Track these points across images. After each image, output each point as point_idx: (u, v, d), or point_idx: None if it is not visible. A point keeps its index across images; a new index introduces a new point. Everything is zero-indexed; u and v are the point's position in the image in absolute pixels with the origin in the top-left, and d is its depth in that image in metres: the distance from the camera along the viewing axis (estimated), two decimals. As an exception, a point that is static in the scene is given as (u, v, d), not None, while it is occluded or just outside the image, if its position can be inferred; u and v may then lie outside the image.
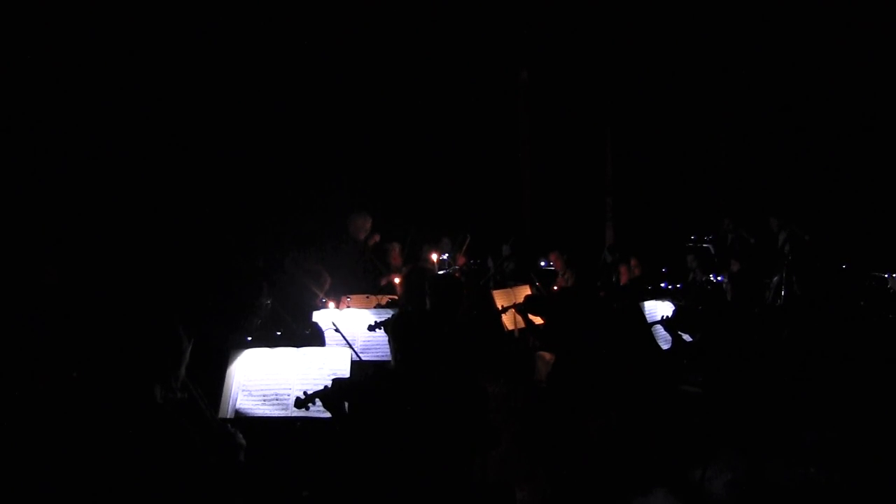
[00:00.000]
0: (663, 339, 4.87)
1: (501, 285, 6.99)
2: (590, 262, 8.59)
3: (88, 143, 6.83)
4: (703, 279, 7.67)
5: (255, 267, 5.31)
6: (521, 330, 5.75)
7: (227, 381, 3.10)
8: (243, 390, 3.09)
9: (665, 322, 4.83)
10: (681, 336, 4.86)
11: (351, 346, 3.60)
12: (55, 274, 3.94)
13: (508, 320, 5.64)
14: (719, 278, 7.40)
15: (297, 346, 3.28)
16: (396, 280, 6.05)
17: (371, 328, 3.80)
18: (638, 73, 11.05)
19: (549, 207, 11.77)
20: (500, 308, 5.58)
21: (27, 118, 6.48)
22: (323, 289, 4.90)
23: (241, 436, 2.40)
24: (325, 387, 2.71)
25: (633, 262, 7.00)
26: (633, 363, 4.46)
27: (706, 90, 11.23)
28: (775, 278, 7.11)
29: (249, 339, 3.57)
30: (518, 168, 12.07)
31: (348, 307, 4.72)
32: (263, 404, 3.06)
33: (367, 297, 5.27)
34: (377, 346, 3.92)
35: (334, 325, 3.87)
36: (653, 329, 4.82)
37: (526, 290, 6.15)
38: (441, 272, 6.90)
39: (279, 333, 3.98)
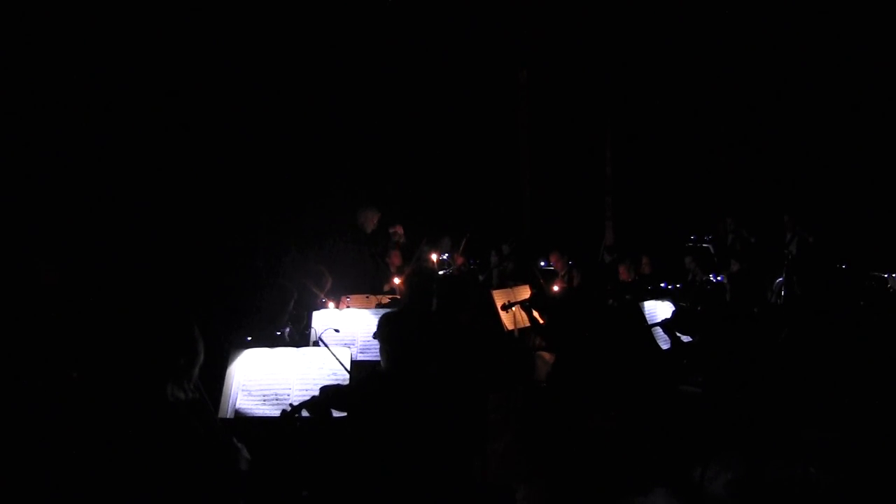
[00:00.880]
0: (663, 339, 4.87)
1: (501, 285, 6.98)
2: (593, 262, 8.60)
3: (93, 143, 6.83)
4: (703, 279, 7.67)
5: (276, 273, 5.32)
6: (521, 330, 5.75)
7: (227, 381, 3.10)
8: (243, 390, 3.10)
9: (665, 323, 4.83)
10: (680, 336, 4.86)
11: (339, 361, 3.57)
12: (55, 274, 3.93)
13: (508, 320, 5.64)
14: (719, 278, 7.40)
15: (297, 346, 3.29)
16: (396, 280, 6.05)
17: (376, 336, 3.75)
18: (638, 73, 11.04)
19: (549, 207, 11.76)
20: (500, 307, 5.57)
21: (28, 117, 6.47)
22: (323, 289, 4.91)
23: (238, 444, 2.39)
24: (312, 397, 2.71)
25: (644, 259, 7.02)
26: (632, 363, 4.46)
27: (706, 90, 11.23)
28: (778, 279, 7.11)
29: (249, 339, 3.57)
30: (518, 168, 12.07)
31: (348, 307, 4.72)
32: (263, 404, 3.06)
33: (367, 297, 5.28)
34: (377, 346, 3.91)
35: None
36: (653, 329, 4.83)
37: (526, 290, 6.15)
38: (441, 272, 6.90)
39: (279, 333, 3.99)
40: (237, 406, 3.05)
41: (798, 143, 10.58)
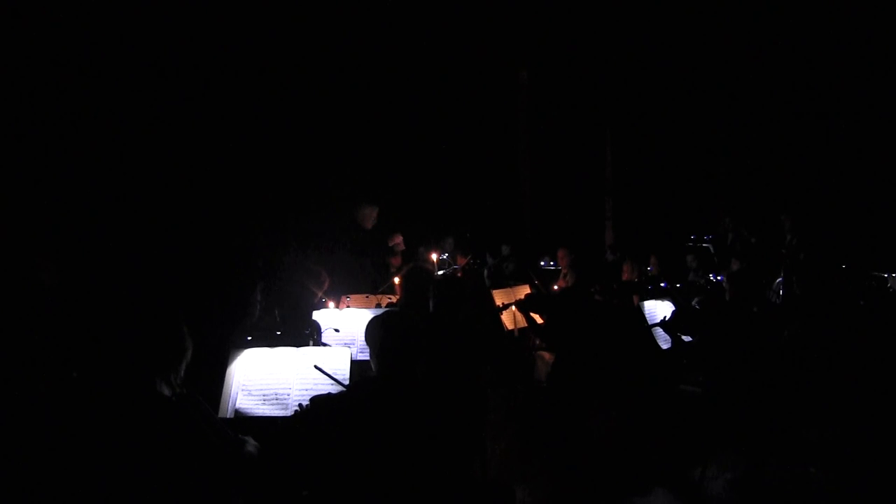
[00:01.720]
0: (663, 339, 4.87)
1: (501, 285, 6.98)
2: (591, 262, 8.59)
3: (89, 142, 6.82)
4: (703, 279, 7.67)
5: (251, 266, 5.31)
6: (521, 330, 5.75)
7: (227, 380, 3.10)
8: (243, 390, 3.10)
9: (665, 323, 4.83)
10: (680, 336, 4.86)
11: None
12: (55, 273, 3.94)
13: (508, 320, 5.64)
14: (719, 278, 7.40)
15: (297, 346, 3.28)
16: (396, 280, 6.05)
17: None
18: (638, 73, 11.05)
19: (549, 207, 11.77)
20: (499, 307, 5.57)
21: (27, 117, 6.48)
22: (322, 289, 4.91)
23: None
24: (300, 406, 2.69)
25: (652, 259, 7.02)
26: (632, 363, 4.46)
27: (706, 90, 11.23)
28: (778, 279, 7.11)
29: (249, 339, 3.57)
30: (518, 168, 12.08)
31: (348, 307, 4.72)
32: (263, 404, 3.06)
33: (367, 297, 5.28)
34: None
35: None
36: (653, 329, 4.83)
37: (526, 290, 6.16)
38: (441, 272, 6.90)
39: (279, 333, 3.98)
40: (237, 406, 3.05)
41: (798, 143, 10.58)
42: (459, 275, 7.16)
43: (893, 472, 3.84)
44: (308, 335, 3.90)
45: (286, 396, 3.05)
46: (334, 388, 2.76)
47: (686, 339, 4.87)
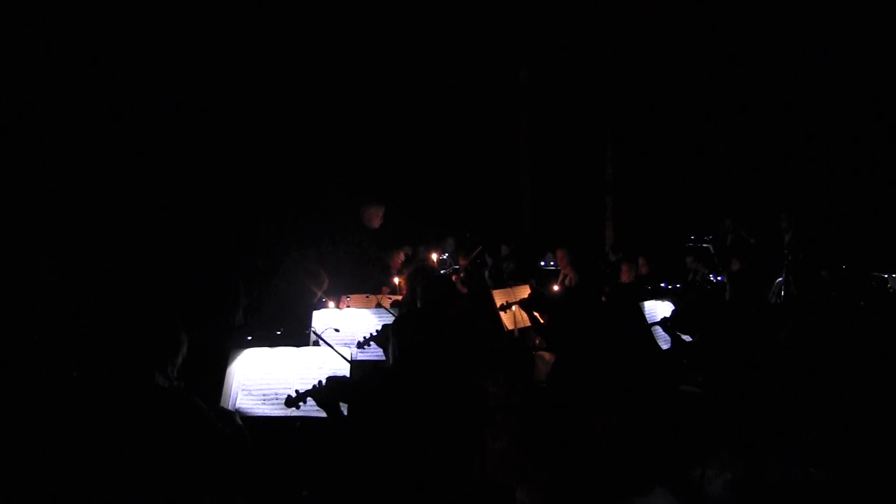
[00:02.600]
0: (663, 339, 4.87)
1: (501, 285, 6.98)
2: (591, 262, 8.59)
3: (87, 142, 6.83)
4: (704, 279, 7.67)
5: (239, 265, 5.32)
6: (521, 329, 5.75)
7: (227, 380, 3.10)
8: (243, 390, 3.10)
9: (665, 323, 4.83)
10: (680, 336, 4.85)
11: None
12: (54, 273, 3.94)
13: (508, 319, 5.64)
14: (719, 278, 7.40)
15: (297, 345, 3.28)
16: (396, 280, 6.05)
17: (360, 345, 3.67)
18: (638, 73, 11.04)
19: (549, 207, 11.77)
20: (499, 307, 5.57)
21: (27, 116, 6.48)
22: (321, 288, 4.91)
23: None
24: (318, 383, 2.72)
25: (641, 260, 6.99)
26: (633, 363, 4.46)
27: (707, 90, 11.23)
28: (778, 280, 7.11)
29: (249, 338, 3.57)
30: (518, 168, 12.08)
31: (348, 307, 4.72)
32: (263, 404, 3.06)
33: (367, 297, 5.28)
34: (376, 346, 3.92)
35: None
36: (653, 329, 4.82)
37: (526, 290, 6.15)
38: (442, 272, 6.90)
39: (279, 333, 3.98)
40: (237, 405, 3.05)
41: (798, 143, 10.57)
42: (462, 275, 7.16)
43: (893, 472, 3.84)
44: (308, 335, 3.90)
45: (286, 396, 3.05)
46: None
47: (686, 338, 4.86)
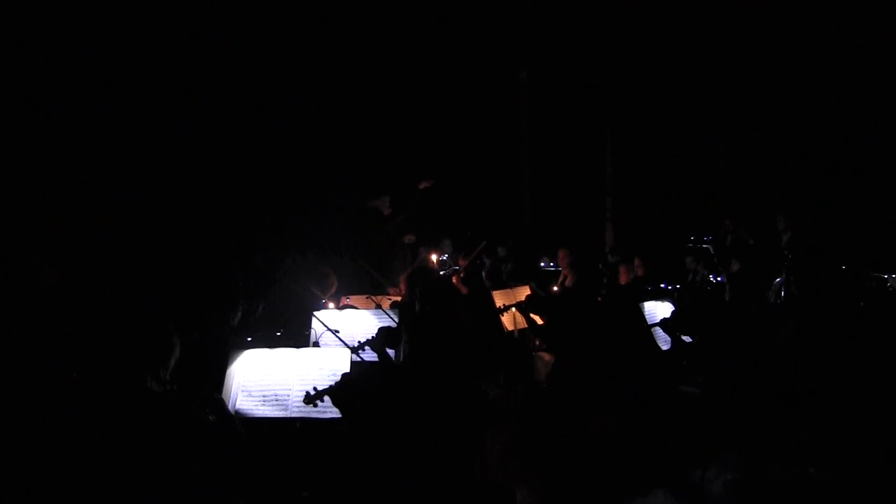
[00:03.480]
0: (663, 339, 4.87)
1: (501, 285, 6.97)
2: (591, 262, 8.58)
3: (87, 142, 6.82)
4: (703, 280, 7.67)
5: (236, 267, 5.32)
6: (521, 330, 5.75)
7: (227, 381, 3.10)
8: (243, 390, 3.10)
9: (665, 323, 4.83)
10: (680, 337, 4.85)
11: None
12: (54, 273, 3.94)
13: (508, 320, 5.64)
14: (719, 279, 7.40)
15: (297, 346, 3.28)
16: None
17: (354, 350, 3.59)
18: (638, 73, 11.04)
19: (549, 207, 11.77)
20: (499, 308, 5.57)
21: (26, 116, 6.47)
22: (327, 292, 4.90)
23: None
24: (335, 383, 2.73)
25: (636, 261, 6.97)
26: (632, 363, 4.46)
27: (707, 90, 11.23)
28: (778, 279, 7.11)
29: (249, 339, 3.57)
30: (518, 168, 12.08)
31: (348, 307, 4.72)
32: (263, 405, 3.06)
33: (367, 298, 5.28)
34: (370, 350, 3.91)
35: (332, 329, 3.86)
36: (653, 330, 4.82)
37: (526, 291, 6.15)
38: (442, 272, 6.91)
39: (279, 334, 3.98)
40: (237, 407, 3.05)
41: (797, 143, 10.57)
42: (462, 275, 7.16)
43: (893, 472, 3.84)
44: (308, 336, 3.90)
45: (286, 397, 3.05)
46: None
47: (686, 339, 4.86)
